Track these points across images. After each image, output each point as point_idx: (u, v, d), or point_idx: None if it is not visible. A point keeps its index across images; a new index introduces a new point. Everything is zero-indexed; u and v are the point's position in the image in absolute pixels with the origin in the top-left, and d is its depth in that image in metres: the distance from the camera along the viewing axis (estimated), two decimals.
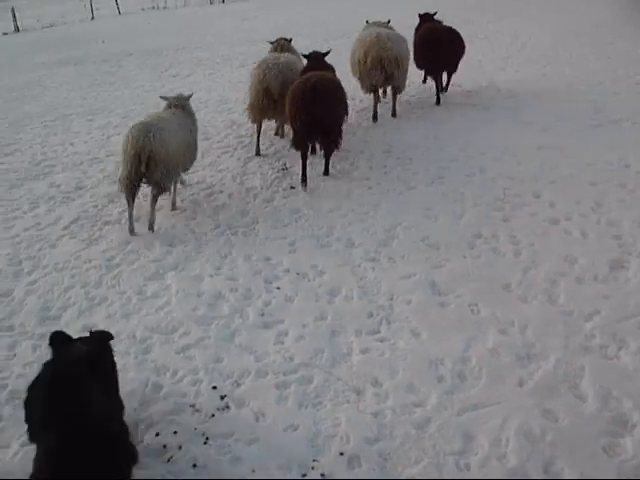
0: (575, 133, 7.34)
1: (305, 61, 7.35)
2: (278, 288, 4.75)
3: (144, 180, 5.82)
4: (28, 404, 3.01)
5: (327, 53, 7.47)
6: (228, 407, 3.59)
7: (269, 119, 7.78)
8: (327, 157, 6.90)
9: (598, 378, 3.51)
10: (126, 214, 6.01)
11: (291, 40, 8.56)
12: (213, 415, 3.54)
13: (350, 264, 4.97)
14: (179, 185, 6.60)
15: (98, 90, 12.87)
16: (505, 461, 3.05)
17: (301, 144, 6.65)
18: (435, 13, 9.35)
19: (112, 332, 4.30)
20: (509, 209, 5.62)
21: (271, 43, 8.54)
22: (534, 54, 12.05)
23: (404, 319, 4.22)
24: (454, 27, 9.18)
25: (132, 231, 5.97)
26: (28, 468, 2.69)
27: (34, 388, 3.02)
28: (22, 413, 2.91)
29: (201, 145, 8.13)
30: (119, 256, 5.50)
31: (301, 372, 3.81)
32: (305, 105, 6.31)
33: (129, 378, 3.89)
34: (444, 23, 9.34)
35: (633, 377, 3.51)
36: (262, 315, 4.43)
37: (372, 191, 6.33)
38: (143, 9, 35.15)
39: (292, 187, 6.58)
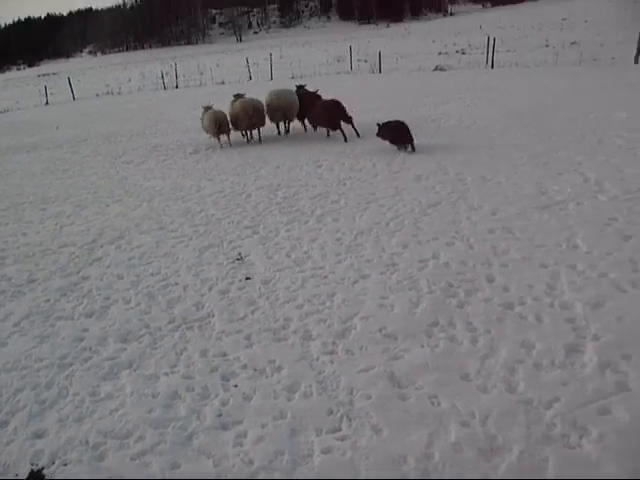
0: (523, 215, 7.53)
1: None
2: (235, 386, 4.63)
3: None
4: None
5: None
6: None
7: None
8: (353, 126, 13.51)
9: (562, 469, 3.47)
10: (79, 308, 6.18)
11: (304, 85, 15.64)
12: None
13: (308, 358, 4.89)
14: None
15: (51, 177, 12.84)
16: None
17: (337, 126, 13.51)
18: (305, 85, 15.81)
19: (63, 438, 4.20)
20: (464, 295, 5.66)
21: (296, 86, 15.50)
22: (480, 136, 12.50)
23: (365, 415, 4.14)
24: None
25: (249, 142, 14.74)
26: None
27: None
28: None
29: (155, 235, 8.16)
30: (72, 354, 5.33)
31: (261, 476, 3.68)
32: (332, 108, 13.43)
33: None
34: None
35: (597, 466, 3.48)
36: (220, 416, 4.30)
37: (327, 280, 6.31)
38: (98, 95, 35.60)
39: (247, 278, 6.54)
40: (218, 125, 13.95)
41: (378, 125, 11.97)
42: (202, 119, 14.49)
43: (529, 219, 7.40)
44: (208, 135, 14.61)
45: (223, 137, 14.50)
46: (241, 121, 14.19)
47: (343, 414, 4.18)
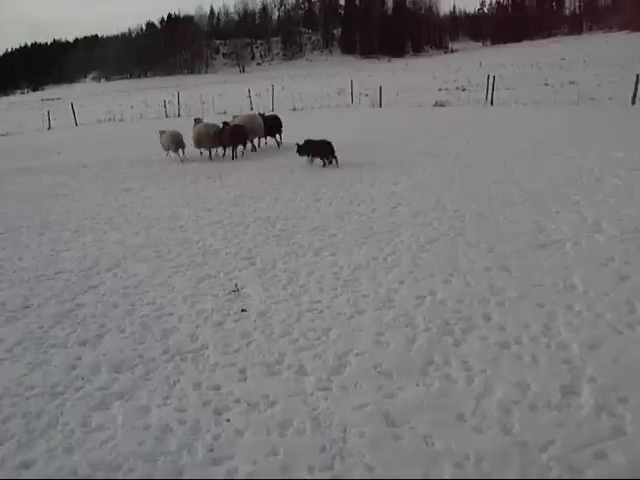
0: (520, 253, 7.55)
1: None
2: (228, 420, 4.57)
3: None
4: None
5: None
6: None
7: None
8: (237, 149, 17.22)
9: None
10: (73, 336, 6.13)
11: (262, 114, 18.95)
12: None
13: (302, 394, 4.84)
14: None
15: (50, 202, 12.84)
16: None
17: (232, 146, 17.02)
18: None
19: (52, 469, 4.13)
20: (460, 333, 5.64)
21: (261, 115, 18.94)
22: (478, 173, 12.61)
23: (358, 453, 4.09)
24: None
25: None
26: None
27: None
28: None
29: (152, 264, 8.14)
30: (64, 383, 5.27)
31: None
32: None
33: None
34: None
35: None
36: (211, 451, 4.23)
37: (322, 315, 6.27)
38: (100, 121, 35.80)
39: (243, 310, 6.50)
40: (175, 142, 17.11)
41: (297, 145, 14.74)
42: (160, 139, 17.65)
43: (526, 258, 7.41)
44: (165, 153, 17.71)
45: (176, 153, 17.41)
46: (205, 141, 17.26)
47: (336, 452, 4.13)
